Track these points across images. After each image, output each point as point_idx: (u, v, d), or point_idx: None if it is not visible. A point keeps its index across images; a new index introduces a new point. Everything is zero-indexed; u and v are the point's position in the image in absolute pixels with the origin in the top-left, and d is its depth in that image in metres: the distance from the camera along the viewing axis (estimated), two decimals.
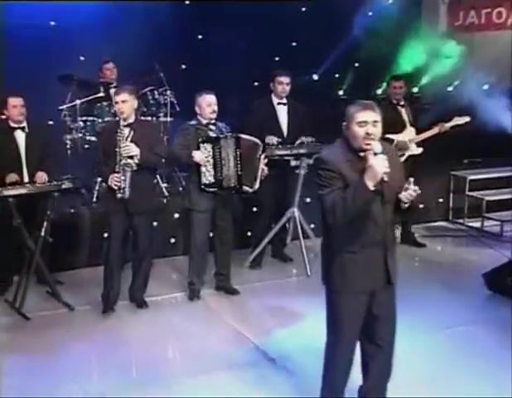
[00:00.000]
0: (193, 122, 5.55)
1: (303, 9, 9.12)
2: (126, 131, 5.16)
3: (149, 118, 7.12)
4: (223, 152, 5.40)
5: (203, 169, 5.39)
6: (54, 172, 5.63)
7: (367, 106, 3.28)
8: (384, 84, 8.39)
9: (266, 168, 5.59)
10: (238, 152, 5.42)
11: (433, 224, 7.95)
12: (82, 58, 7.98)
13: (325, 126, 6.64)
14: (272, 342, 4.79)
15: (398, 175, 3.37)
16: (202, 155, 5.37)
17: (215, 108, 5.46)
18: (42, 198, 5.37)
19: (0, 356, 4.62)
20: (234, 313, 5.36)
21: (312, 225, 6.41)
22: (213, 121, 5.51)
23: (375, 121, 3.25)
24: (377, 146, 3.20)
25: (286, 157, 6.09)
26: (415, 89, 8.90)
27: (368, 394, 3.67)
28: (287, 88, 6.34)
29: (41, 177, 5.48)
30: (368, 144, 3.22)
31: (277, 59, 8.85)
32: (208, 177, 5.40)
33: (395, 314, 3.57)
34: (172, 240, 6.81)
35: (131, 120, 5.21)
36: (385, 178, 3.13)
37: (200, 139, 5.40)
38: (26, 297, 5.32)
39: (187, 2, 8.87)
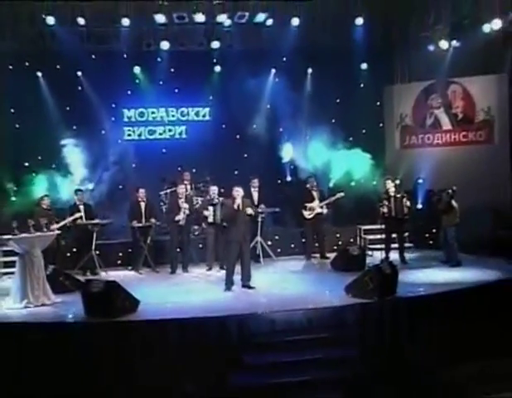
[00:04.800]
0: (208, 197, 13.57)
1: None
2: (183, 198, 13.23)
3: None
4: (218, 209, 13.28)
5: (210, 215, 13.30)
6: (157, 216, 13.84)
7: (237, 186, 11.18)
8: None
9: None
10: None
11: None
12: (179, 168, 15.85)
13: None
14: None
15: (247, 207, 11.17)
16: (209, 211, 13.29)
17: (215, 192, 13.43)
18: (148, 227, 13.47)
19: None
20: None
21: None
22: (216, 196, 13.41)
23: (241, 190, 11.12)
24: (240, 196, 11.05)
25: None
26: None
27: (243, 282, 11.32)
28: (256, 184, 14.23)
29: (152, 220, 13.57)
30: (237, 195, 11.05)
31: None
32: (213, 217, 13.28)
33: (249, 252, 11.29)
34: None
35: (184, 195, 13.29)
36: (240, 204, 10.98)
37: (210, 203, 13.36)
38: (139, 267, 13.40)
39: (238, 137, 16.82)
